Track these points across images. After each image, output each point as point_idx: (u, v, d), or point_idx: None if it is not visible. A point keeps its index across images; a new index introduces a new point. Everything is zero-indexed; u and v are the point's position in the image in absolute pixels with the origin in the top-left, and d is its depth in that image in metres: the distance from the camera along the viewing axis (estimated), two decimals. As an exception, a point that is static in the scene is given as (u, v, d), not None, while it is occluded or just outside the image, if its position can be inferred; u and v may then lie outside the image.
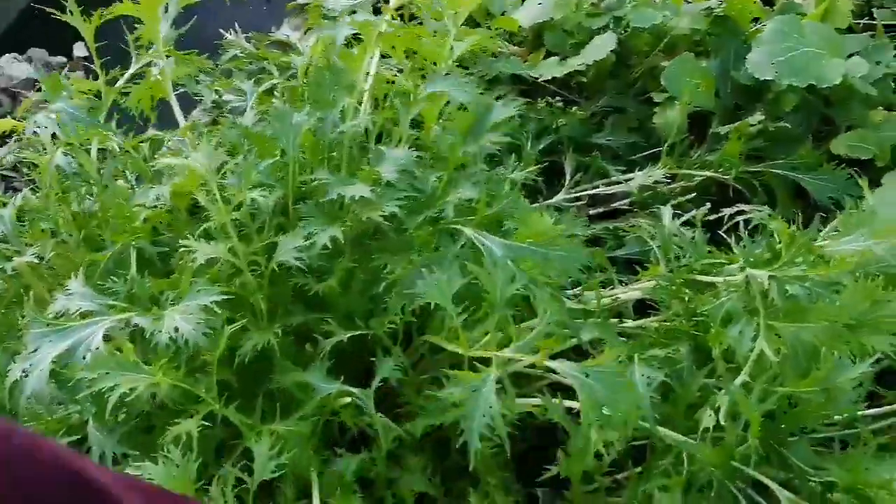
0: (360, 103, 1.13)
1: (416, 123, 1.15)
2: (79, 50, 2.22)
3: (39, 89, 2.13)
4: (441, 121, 1.02)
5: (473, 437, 0.75)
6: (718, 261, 0.89)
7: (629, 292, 0.97)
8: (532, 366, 0.80)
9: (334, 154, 1.06)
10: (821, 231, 1.02)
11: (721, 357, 0.81)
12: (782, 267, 0.82)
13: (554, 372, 0.76)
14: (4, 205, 1.07)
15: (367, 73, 1.16)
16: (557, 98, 1.43)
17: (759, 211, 0.96)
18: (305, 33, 1.74)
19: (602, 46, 1.42)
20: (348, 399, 0.90)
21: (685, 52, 1.40)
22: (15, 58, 2.17)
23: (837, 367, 0.76)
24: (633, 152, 1.44)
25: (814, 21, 1.38)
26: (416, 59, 1.19)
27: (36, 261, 0.97)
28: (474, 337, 0.83)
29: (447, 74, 0.99)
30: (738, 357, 0.80)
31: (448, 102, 1.09)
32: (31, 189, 1.14)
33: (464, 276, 0.85)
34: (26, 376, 0.79)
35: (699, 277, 0.89)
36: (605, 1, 1.63)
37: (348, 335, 0.94)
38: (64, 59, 2.19)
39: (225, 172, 0.96)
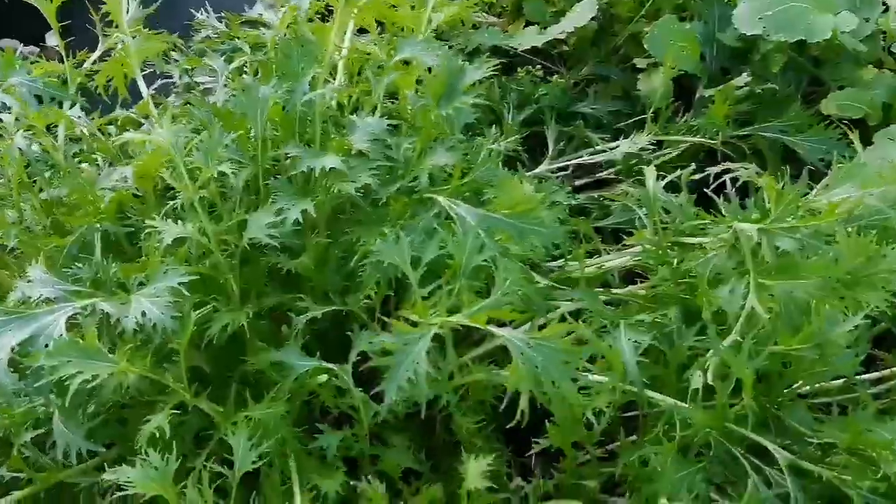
0: (332, 75, 1.09)
1: (393, 94, 1.11)
2: (51, 39, 2.17)
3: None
4: (417, 90, 0.98)
5: (391, 388, 0.71)
6: (705, 221, 0.86)
7: (615, 259, 0.93)
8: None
9: (307, 129, 1.02)
10: (812, 188, 0.99)
11: (711, 318, 0.78)
12: (772, 222, 0.79)
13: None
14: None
15: (341, 47, 1.12)
16: (538, 67, 1.39)
17: (746, 168, 0.92)
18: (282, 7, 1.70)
19: (583, 13, 1.37)
20: (325, 377, 0.87)
21: (668, 15, 1.36)
22: (-15, 50, 2.12)
23: (831, 323, 0.73)
24: (618, 120, 1.40)
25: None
26: (393, 30, 1.15)
27: (-2, 249, 0.93)
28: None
29: (415, 40, 0.95)
30: (729, 317, 0.77)
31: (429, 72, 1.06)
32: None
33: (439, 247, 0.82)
34: (-16, 366, 0.76)
35: (686, 239, 0.86)
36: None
37: (323, 310, 0.90)
38: (36, 49, 2.14)
39: (191, 149, 0.92)
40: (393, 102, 1.11)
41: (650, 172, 0.91)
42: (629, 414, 0.91)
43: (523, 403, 0.71)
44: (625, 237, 1.13)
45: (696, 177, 1.05)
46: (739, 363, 0.72)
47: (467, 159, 0.95)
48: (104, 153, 1.11)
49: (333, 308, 0.90)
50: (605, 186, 1.29)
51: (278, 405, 0.84)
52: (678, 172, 0.99)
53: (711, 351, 0.74)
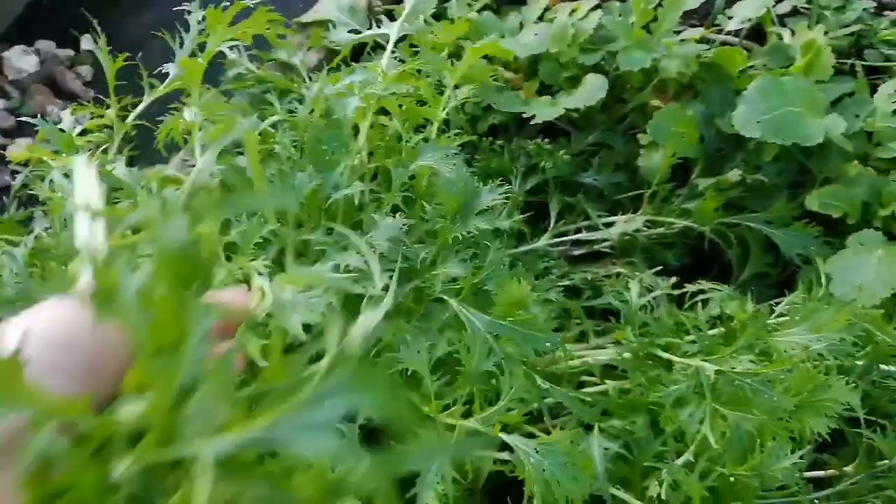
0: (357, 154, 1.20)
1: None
2: (86, 43, 2.26)
3: (49, 83, 2.19)
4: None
5: (424, 493, 0.83)
6: (678, 341, 0.97)
7: (598, 356, 1.05)
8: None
9: (330, 207, 1.13)
10: (779, 302, 1.10)
11: (671, 435, 0.90)
12: (734, 353, 0.91)
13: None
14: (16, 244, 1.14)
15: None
16: (546, 140, 1.49)
17: (719, 290, 1.04)
18: (307, 50, 1.79)
19: (594, 92, 1.47)
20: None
21: (671, 104, 1.46)
22: (24, 50, 2.21)
23: (773, 455, 0.85)
24: (618, 192, 1.51)
25: (797, 75, 1.43)
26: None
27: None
28: (446, 402, 0.93)
29: (436, 147, 1.06)
30: (687, 437, 0.89)
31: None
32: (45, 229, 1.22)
33: (447, 344, 0.95)
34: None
35: (660, 353, 0.98)
36: (601, 31, 1.68)
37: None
38: (71, 53, 2.23)
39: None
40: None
41: (634, 287, 1.02)
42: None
43: (538, 501, 0.84)
44: (613, 319, 1.25)
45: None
46: (690, 481, 0.84)
47: (475, 251, 1.07)
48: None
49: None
50: (601, 260, 1.40)
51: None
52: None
53: (666, 468, 0.86)
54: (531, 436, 0.94)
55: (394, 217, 1.03)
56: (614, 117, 1.63)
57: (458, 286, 0.99)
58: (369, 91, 1.10)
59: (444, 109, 1.19)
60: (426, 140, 1.18)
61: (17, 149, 1.92)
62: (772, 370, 0.84)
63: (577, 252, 1.42)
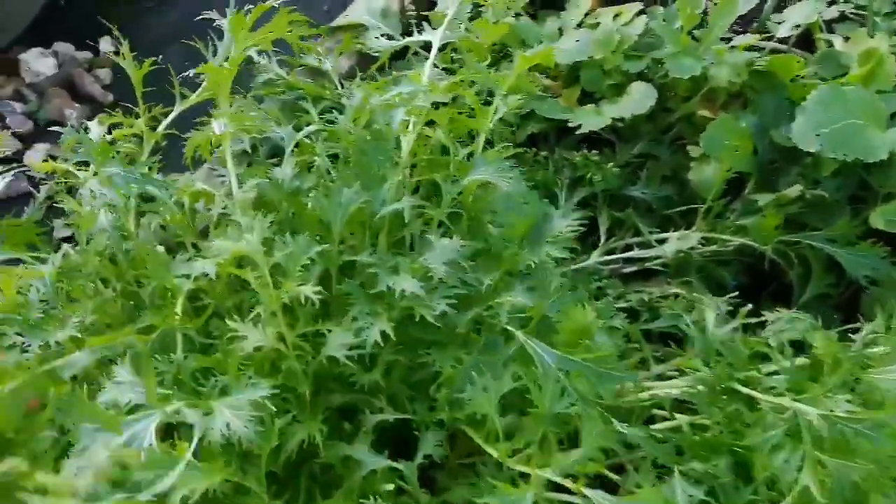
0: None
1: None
2: (105, 44, 2.17)
3: (67, 86, 2.10)
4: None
5: None
6: (759, 374, 0.90)
7: (668, 389, 0.98)
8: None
9: (374, 224, 1.05)
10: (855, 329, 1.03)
11: (763, 482, 0.83)
12: (828, 393, 0.83)
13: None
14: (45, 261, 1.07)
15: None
16: (594, 151, 1.41)
17: (801, 319, 0.96)
18: (339, 55, 1.71)
19: (642, 101, 1.40)
20: (391, 486, 0.92)
21: (724, 115, 1.38)
22: (41, 52, 2.12)
23: (883, 508, 0.78)
24: (667, 207, 1.43)
25: (857, 85, 1.36)
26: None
27: (78, 335, 0.97)
28: (515, 445, 0.85)
29: (490, 160, 0.98)
30: (782, 484, 0.81)
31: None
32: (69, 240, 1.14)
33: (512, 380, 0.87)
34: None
35: (740, 388, 0.90)
36: (644, 38, 1.61)
37: (395, 416, 0.96)
38: (90, 55, 2.14)
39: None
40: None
41: (710, 315, 0.94)
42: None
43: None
44: (672, 343, 1.17)
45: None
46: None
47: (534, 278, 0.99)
48: (176, 224, 1.14)
49: (405, 416, 0.95)
50: (653, 278, 1.33)
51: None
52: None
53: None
54: (605, 480, 0.86)
55: (448, 238, 0.96)
56: (660, 127, 1.55)
57: (522, 315, 0.92)
58: (419, 104, 1.02)
59: (491, 120, 1.11)
60: (472, 153, 1.11)
61: (36, 154, 1.84)
62: (884, 414, 0.77)
63: (627, 270, 1.34)
